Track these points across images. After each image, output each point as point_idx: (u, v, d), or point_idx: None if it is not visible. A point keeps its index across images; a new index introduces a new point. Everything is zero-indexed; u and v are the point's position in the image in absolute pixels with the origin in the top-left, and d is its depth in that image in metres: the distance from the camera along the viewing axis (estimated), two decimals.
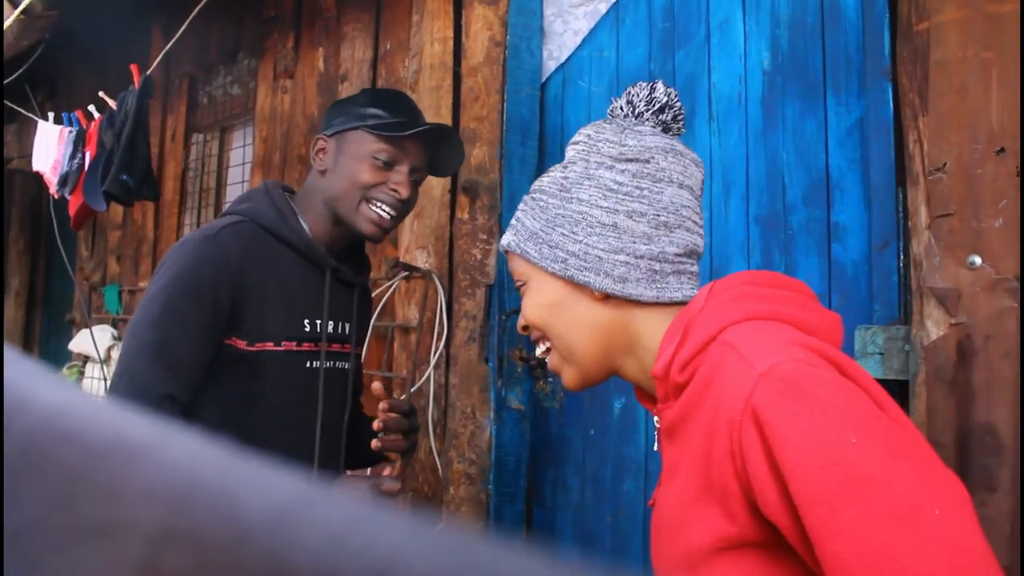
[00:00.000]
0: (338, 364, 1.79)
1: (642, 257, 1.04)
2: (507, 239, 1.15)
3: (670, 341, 1.00)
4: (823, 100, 2.01)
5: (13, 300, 6.75)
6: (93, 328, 4.39)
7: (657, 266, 1.05)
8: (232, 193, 4.24)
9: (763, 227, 2.10)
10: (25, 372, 0.24)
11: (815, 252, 1.99)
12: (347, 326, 1.81)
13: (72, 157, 3.22)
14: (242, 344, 1.62)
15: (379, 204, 1.68)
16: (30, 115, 4.10)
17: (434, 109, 2.78)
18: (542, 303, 1.11)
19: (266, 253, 1.67)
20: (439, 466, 2.65)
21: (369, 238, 1.72)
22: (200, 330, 1.56)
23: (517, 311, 2.56)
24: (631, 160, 1.08)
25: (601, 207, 1.05)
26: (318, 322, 1.72)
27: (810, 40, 2.05)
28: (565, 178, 1.10)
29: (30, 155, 3.60)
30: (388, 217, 1.69)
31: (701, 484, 0.90)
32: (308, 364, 1.71)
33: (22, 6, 3.18)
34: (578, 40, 2.61)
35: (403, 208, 1.72)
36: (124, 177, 2.84)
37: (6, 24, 3.38)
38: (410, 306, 2.83)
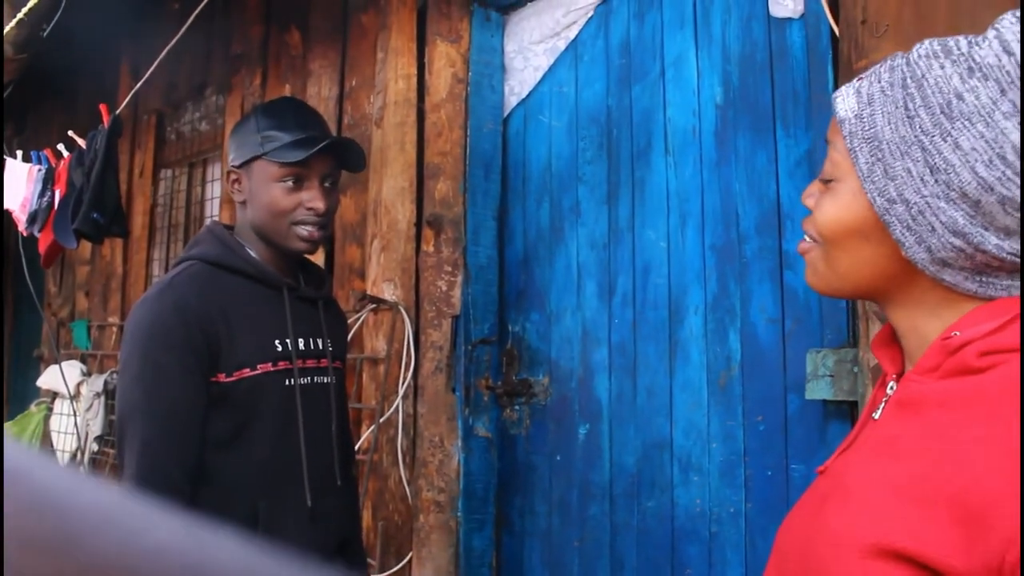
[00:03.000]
0: (316, 379, 1.83)
1: (985, 252, 0.81)
2: (846, 106, 0.89)
3: (986, 317, 0.82)
4: (773, 133, 2.10)
5: None
6: (62, 364, 4.38)
7: (996, 263, 0.82)
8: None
9: (718, 256, 2.17)
10: None
11: (768, 279, 2.06)
12: (319, 341, 1.86)
13: (41, 195, 3.25)
14: (223, 377, 1.67)
15: (303, 225, 1.75)
16: None
17: (399, 145, 2.85)
18: (843, 221, 0.89)
19: (223, 287, 1.72)
20: (408, 495, 2.69)
21: (306, 252, 1.81)
22: (188, 378, 1.62)
23: (483, 341, 2.62)
24: None
25: (978, 174, 0.78)
26: (288, 341, 1.78)
27: (759, 75, 2.14)
28: (959, 97, 0.80)
29: None
30: (316, 231, 1.77)
31: (947, 492, 0.73)
32: (287, 382, 1.76)
33: None
34: (539, 76, 2.69)
35: (326, 217, 1.79)
36: (95, 215, 2.87)
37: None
38: (378, 338, 2.87)
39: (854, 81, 0.91)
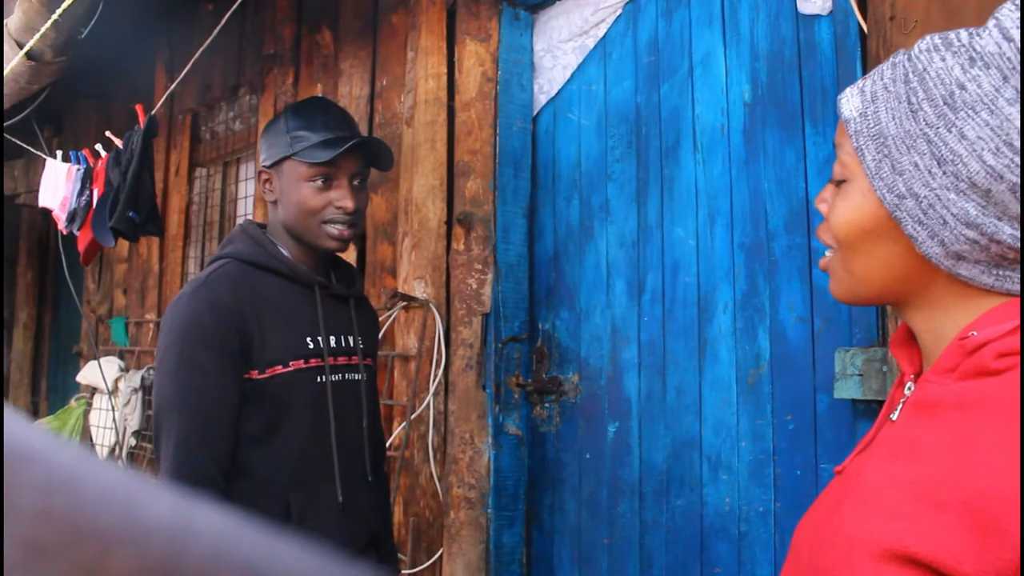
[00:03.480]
0: (347, 376, 1.87)
1: (999, 242, 0.79)
2: (850, 107, 0.88)
3: (1004, 316, 0.80)
4: (801, 130, 2.09)
5: (21, 333, 6.84)
6: (100, 359, 4.46)
7: (1011, 254, 0.80)
8: None
9: (747, 254, 2.17)
10: None
11: (797, 277, 2.06)
12: (350, 339, 1.89)
13: (80, 194, 3.31)
14: (256, 374, 1.70)
15: (333, 224, 1.78)
16: (38, 152, 4.19)
17: (430, 143, 2.87)
18: (855, 221, 0.88)
19: (256, 285, 1.75)
20: (439, 491, 2.71)
21: (336, 250, 1.83)
22: (222, 375, 1.66)
23: (513, 339, 2.64)
24: None
25: (985, 163, 0.77)
26: (319, 338, 1.80)
27: (788, 73, 2.13)
28: (962, 87, 0.79)
29: (37, 191, 3.68)
30: (346, 230, 1.79)
31: (961, 496, 0.71)
32: (318, 379, 1.79)
33: (25, 49, 3.27)
34: (567, 74, 2.69)
35: (356, 215, 1.81)
36: (131, 214, 2.92)
37: (9, 67, 3.47)
38: (409, 335, 2.89)
39: (857, 81, 0.90)
